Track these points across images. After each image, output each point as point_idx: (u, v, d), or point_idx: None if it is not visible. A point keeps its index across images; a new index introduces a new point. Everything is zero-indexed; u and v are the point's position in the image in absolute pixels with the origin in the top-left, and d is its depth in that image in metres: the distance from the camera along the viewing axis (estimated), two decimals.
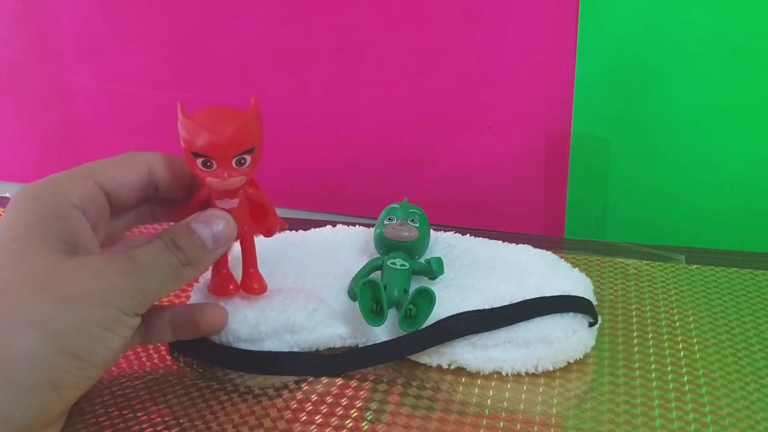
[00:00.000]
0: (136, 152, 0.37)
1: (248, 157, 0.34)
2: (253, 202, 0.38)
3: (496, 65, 0.68)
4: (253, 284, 0.40)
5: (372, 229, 0.52)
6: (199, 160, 0.33)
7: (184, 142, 0.33)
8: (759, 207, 0.66)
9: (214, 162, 0.33)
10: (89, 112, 0.83)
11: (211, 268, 0.39)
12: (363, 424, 0.40)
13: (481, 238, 0.56)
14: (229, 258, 0.41)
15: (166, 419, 0.41)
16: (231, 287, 0.40)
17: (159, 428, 0.40)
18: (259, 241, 0.56)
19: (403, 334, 0.45)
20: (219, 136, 0.32)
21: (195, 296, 0.49)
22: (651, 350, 0.47)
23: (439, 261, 0.49)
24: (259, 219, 0.39)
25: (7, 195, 0.76)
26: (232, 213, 0.36)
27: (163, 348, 0.48)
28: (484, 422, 0.40)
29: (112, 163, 0.37)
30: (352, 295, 0.47)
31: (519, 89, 0.68)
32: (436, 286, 0.46)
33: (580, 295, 0.47)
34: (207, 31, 0.75)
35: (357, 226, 0.58)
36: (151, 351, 0.48)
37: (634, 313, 0.51)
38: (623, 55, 0.64)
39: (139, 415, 0.41)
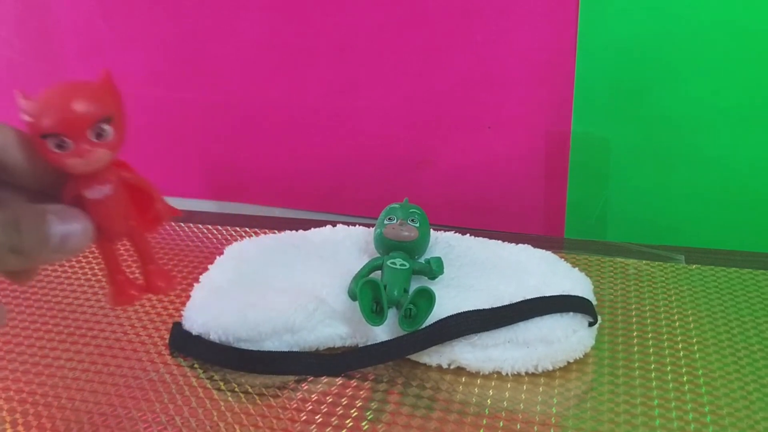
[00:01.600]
0: None
1: (107, 127, 0.29)
2: (133, 188, 0.32)
3: (496, 65, 0.68)
4: (157, 282, 0.34)
5: (372, 229, 0.52)
6: (52, 143, 0.28)
7: (30, 127, 0.29)
8: (759, 207, 0.66)
9: (68, 140, 0.28)
10: None
11: (106, 275, 0.34)
12: (363, 423, 0.41)
13: (481, 238, 0.56)
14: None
15: (166, 419, 0.41)
16: (133, 292, 0.34)
17: (159, 428, 0.40)
18: (261, 241, 0.57)
19: (403, 334, 0.45)
20: (65, 109, 0.28)
21: (198, 293, 0.50)
22: (651, 350, 0.47)
23: (439, 261, 0.49)
24: (143, 208, 0.33)
25: None
26: (107, 203, 0.31)
27: (163, 347, 0.48)
28: (484, 422, 0.40)
29: None
30: (352, 294, 0.47)
31: (519, 89, 0.68)
32: (436, 286, 0.47)
33: (580, 295, 0.47)
34: (207, 31, 0.75)
35: (357, 226, 0.58)
36: (151, 351, 0.48)
37: (633, 313, 0.51)
38: (623, 56, 0.64)
39: (139, 414, 0.41)
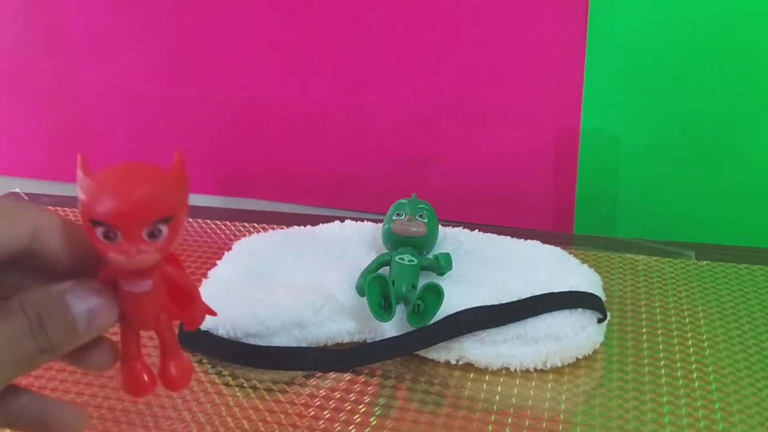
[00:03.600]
0: (23, 203, 0.28)
1: (164, 228, 0.26)
2: (173, 284, 0.29)
3: (505, 61, 0.68)
4: (171, 373, 0.31)
5: (380, 225, 0.52)
6: (100, 230, 0.25)
7: (81, 205, 0.25)
8: None
9: (118, 233, 0.25)
10: (98, 109, 0.83)
11: (122, 359, 0.31)
12: (371, 419, 0.40)
13: (489, 234, 0.55)
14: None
15: (175, 414, 0.41)
16: (148, 381, 0.31)
17: (168, 423, 0.40)
18: (269, 237, 0.57)
19: (411, 330, 0.45)
20: (124, 200, 0.25)
21: (206, 289, 0.50)
22: (660, 347, 0.46)
23: (447, 256, 0.49)
24: (181, 304, 0.31)
25: (17, 190, 0.77)
26: (143, 298, 0.28)
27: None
28: (493, 418, 0.40)
29: None
30: (360, 290, 0.47)
31: (528, 85, 0.68)
32: (445, 282, 0.46)
33: (589, 291, 0.47)
34: (215, 28, 0.75)
35: (365, 221, 0.58)
36: (158, 345, 0.48)
37: (643, 310, 0.51)
38: (632, 52, 0.64)
39: (147, 409, 0.42)
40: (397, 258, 0.47)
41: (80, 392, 0.43)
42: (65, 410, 0.30)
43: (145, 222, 0.25)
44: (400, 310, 0.45)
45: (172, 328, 0.31)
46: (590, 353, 0.45)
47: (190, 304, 0.30)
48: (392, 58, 0.71)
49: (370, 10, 0.70)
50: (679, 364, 0.45)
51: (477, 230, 0.56)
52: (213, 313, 0.31)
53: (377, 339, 0.46)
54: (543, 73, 0.67)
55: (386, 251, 0.50)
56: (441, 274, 0.49)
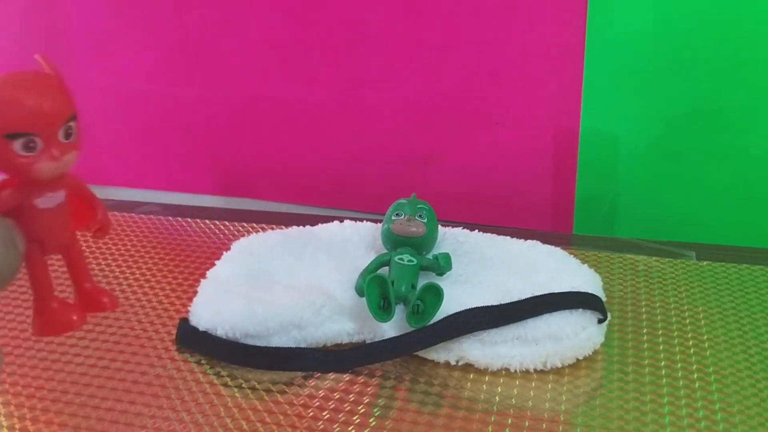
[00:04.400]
0: None
1: (74, 125, 0.26)
2: (75, 195, 0.28)
3: (504, 61, 0.67)
4: (101, 298, 0.30)
5: (380, 225, 0.52)
6: (18, 143, 0.24)
7: None
8: None
9: (38, 140, 0.24)
10: (97, 108, 0.83)
11: (36, 300, 0.29)
12: (370, 420, 0.40)
13: (489, 234, 0.55)
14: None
15: (173, 414, 0.41)
16: (74, 318, 0.29)
17: (166, 423, 0.40)
18: (268, 237, 0.57)
19: (411, 330, 0.44)
20: (41, 102, 0.24)
21: (204, 289, 0.49)
22: (661, 347, 0.46)
23: (447, 257, 0.49)
24: (83, 216, 0.29)
25: None
26: (56, 212, 0.27)
27: (170, 343, 0.48)
28: (492, 419, 0.40)
29: None
30: (360, 290, 0.46)
31: (527, 85, 0.68)
32: (444, 282, 0.46)
33: (589, 292, 0.47)
34: (215, 27, 0.75)
35: (365, 221, 0.57)
36: (158, 346, 0.48)
37: (643, 310, 0.51)
38: (632, 51, 0.64)
39: (146, 410, 0.41)
40: (396, 258, 0.47)
41: (78, 392, 0.43)
42: None
43: (62, 121, 0.25)
44: (399, 311, 0.45)
45: (81, 247, 0.30)
46: (590, 354, 0.45)
47: (92, 211, 0.30)
48: (391, 58, 0.71)
49: (370, 10, 0.70)
50: (679, 365, 0.44)
51: (477, 230, 0.56)
52: (110, 225, 0.30)
53: (376, 339, 0.46)
54: (542, 73, 0.67)
55: (386, 251, 0.50)
56: (440, 274, 0.49)
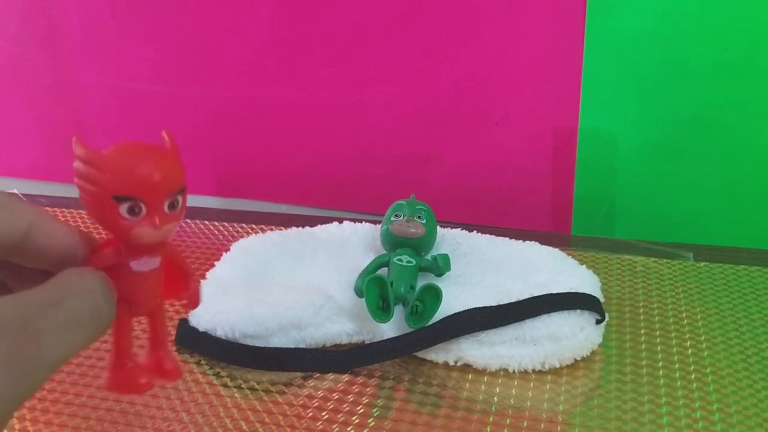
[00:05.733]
0: (19, 200, 0.27)
1: (181, 199, 0.27)
2: (172, 265, 0.29)
3: (503, 61, 0.68)
4: (166, 365, 0.31)
5: (379, 226, 0.52)
6: (125, 206, 0.26)
7: (100, 184, 0.26)
8: (767, 204, 0.66)
9: (143, 206, 0.26)
10: (96, 108, 0.83)
11: (114, 357, 0.29)
12: (369, 420, 0.40)
13: (488, 235, 0.55)
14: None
15: (173, 415, 0.41)
16: (143, 382, 0.30)
17: (166, 424, 0.40)
18: (267, 238, 0.57)
19: (410, 331, 0.45)
20: (154, 172, 0.26)
21: (204, 290, 0.49)
22: (658, 348, 0.46)
23: (445, 257, 0.49)
24: (175, 286, 0.31)
25: (15, 191, 0.77)
26: (149, 277, 0.28)
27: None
28: (491, 419, 0.40)
29: None
30: (359, 291, 0.47)
31: (526, 85, 0.68)
32: (443, 283, 0.46)
33: (588, 293, 0.47)
34: (214, 27, 0.75)
35: (364, 222, 0.58)
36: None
37: (641, 311, 0.51)
38: (630, 52, 0.64)
39: (146, 410, 0.41)
40: (395, 259, 0.47)
41: (78, 393, 0.43)
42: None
43: (170, 193, 0.26)
44: (398, 311, 0.45)
45: (165, 316, 0.31)
46: (588, 354, 0.45)
47: (185, 282, 0.31)
48: (391, 59, 0.71)
49: (370, 11, 0.70)
50: (677, 365, 0.45)
51: (475, 231, 0.56)
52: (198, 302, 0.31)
53: (376, 340, 0.46)
54: (541, 73, 0.67)
55: (385, 252, 0.50)
56: (439, 275, 0.49)
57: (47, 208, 0.70)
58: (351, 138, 0.75)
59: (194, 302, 0.31)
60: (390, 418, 0.40)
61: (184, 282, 0.31)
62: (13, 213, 0.26)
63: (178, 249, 0.30)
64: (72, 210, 0.70)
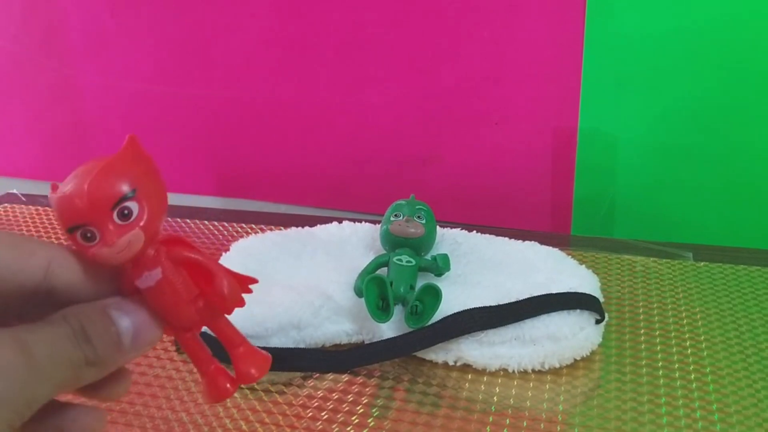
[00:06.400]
0: (35, 239, 0.27)
1: (132, 205, 0.25)
2: (190, 266, 0.28)
3: (503, 62, 0.68)
4: (249, 368, 0.29)
5: (378, 226, 0.52)
6: (78, 235, 0.25)
7: (57, 222, 0.25)
8: (767, 204, 0.66)
9: (92, 228, 0.25)
10: (96, 108, 0.83)
11: (197, 369, 0.29)
12: (369, 420, 0.40)
13: (487, 235, 0.55)
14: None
15: (173, 415, 0.41)
16: (228, 386, 0.29)
17: (165, 424, 0.40)
18: (267, 238, 0.57)
19: (409, 331, 0.45)
20: (76, 195, 0.24)
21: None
22: (658, 348, 0.46)
23: (445, 257, 0.49)
24: (209, 285, 0.28)
25: (14, 191, 0.77)
26: (162, 289, 0.26)
27: (169, 343, 0.48)
28: (491, 419, 0.40)
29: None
30: (358, 291, 0.47)
31: (526, 85, 0.68)
32: (443, 283, 0.46)
33: (587, 292, 0.47)
34: (213, 27, 0.75)
35: (363, 222, 0.58)
36: (157, 347, 0.48)
37: (641, 311, 0.51)
38: (630, 52, 0.64)
39: (145, 411, 0.41)
40: (395, 259, 0.47)
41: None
42: (84, 413, 0.28)
43: (105, 206, 0.25)
44: (398, 311, 0.45)
45: (221, 315, 0.29)
46: (588, 354, 0.45)
47: (213, 278, 0.28)
48: (391, 59, 0.71)
49: (370, 11, 0.70)
50: (676, 365, 0.45)
51: (475, 231, 0.56)
52: (254, 281, 0.29)
53: (375, 340, 0.46)
54: (541, 74, 0.67)
55: (384, 252, 0.50)
56: (439, 275, 0.49)
57: (47, 207, 0.70)
58: (351, 138, 0.75)
59: (222, 300, 0.28)
60: (389, 418, 0.40)
61: (213, 279, 0.29)
62: (27, 250, 0.26)
63: (194, 250, 0.28)
64: None
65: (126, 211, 0.25)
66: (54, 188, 0.25)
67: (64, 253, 0.26)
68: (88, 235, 0.25)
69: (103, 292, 0.27)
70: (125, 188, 0.25)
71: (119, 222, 0.25)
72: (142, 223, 0.25)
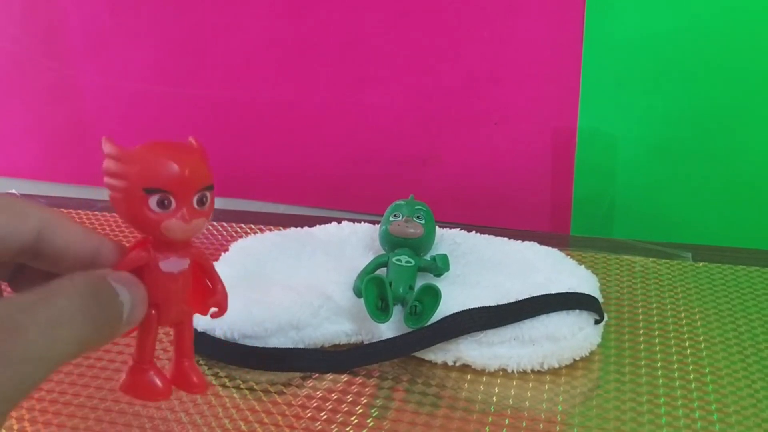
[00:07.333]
0: (28, 202, 0.26)
1: (209, 195, 0.27)
2: (199, 270, 0.29)
3: (502, 62, 0.68)
4: (191, 378, 0.30)
5: (378, 226, 0.52)
6: (154, 199, 0.26)
7: (130, 177, 0.26)
8: (766, 204, 0.66)
9: (173, 200, 0.26)
10: (96, 108, 0.83)
11: (135, 362, 0.29)
12: (368, 420, 0.40)
13: (486, 235, 0.55)
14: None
15: (171, 415, 0.41)
16: (161, 389, 0.29)
17: (164, 424, 0.40)
18: (266, 238, 0.57)
19: (409, 331, 0.45)
20: (181, 165, 0.26)
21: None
22: (657, 348, 0.46)
23: (444, 258, 0.49)
24: (201, 293, 0.30)
25: (14, 191, 0.77)
26: (178, 279, 0.28)
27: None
28: (490, 419, 0.40)
29: None
30: (358, 291, 0.47)
31: (526, 86, 0.68)
32: (442, 283, 0.46)
33: (586, 293, 0.47)
34: (213, 27, 0.75)
35: (362, 222, 0.58)
36: (156, 347, 0.47)
37: (640, 311, 0.51)
38: (629, 52, 0.64)
39: (144, 411, 0.41)
40: (394, 259, 0.47)
41: (77, 394, 0.43)
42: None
43: (199, 187, 0.27)
44: (397, 312, 0.45)
45: (192, 325, 0.30)
46: (587, 354, 0.45)
47: (212, 289, 0.30)
48: (390, 59, 0.71)
49: (369, 11, 0.70)
50: (676, 366, 0.45)
51: (474, 231, 0.56)
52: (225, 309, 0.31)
53: (374, 340, 0.46)
54: (540, 74, 0.67)
55: (383, 252, 0.50)
56: (438, 275, 0.49)
57: None
58: (350, 138, 0.75)
59: (222, 308, 0.31)
60: (389, 419, 0.40)
61: (212, 287, 0.31)
62: (19, 213, 0.25)
63: (207, 257, 0.30)
64: (71, 210, 0.70)
65: (204, 199, 0.27)
66: (115, 143, 0.27)
67: (56, 218, 0.26)
68: (165, 203, 0.26)
69: (90, 258, 0.26)
70: (210, 180, 0.27)
71: (195, 206, 0.27)
72: (208, 213, 0.27)
